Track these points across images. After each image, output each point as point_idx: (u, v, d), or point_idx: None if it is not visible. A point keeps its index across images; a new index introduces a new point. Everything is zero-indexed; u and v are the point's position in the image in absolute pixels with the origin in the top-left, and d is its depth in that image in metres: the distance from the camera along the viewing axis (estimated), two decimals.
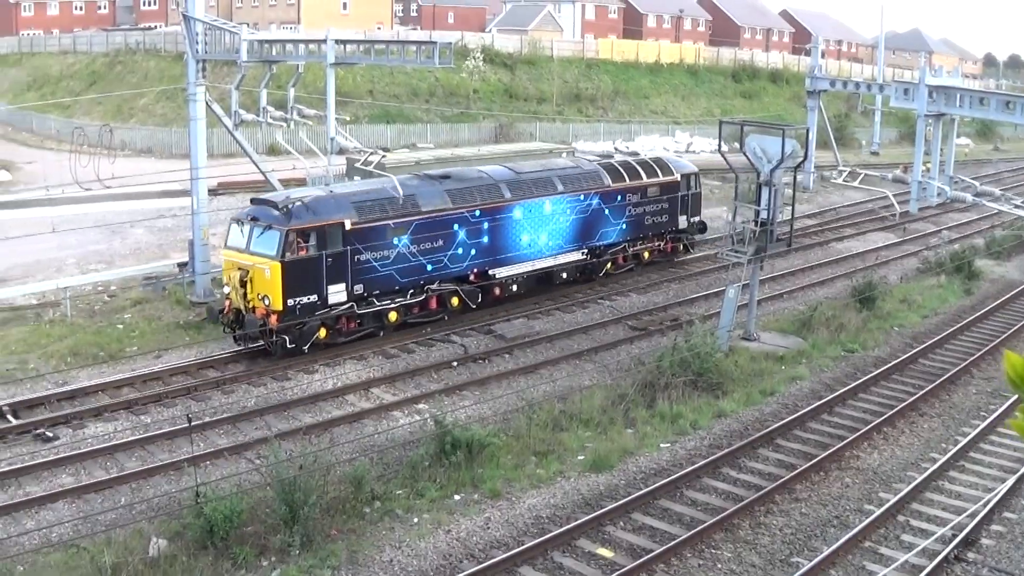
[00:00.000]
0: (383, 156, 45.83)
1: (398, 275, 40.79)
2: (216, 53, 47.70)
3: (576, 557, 24.87)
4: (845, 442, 31.26)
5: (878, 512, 26.66)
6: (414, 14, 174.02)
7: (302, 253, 37.69)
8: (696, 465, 29.67)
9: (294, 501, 25.13)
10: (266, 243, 37.58)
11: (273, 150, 70.54)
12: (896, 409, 34.18)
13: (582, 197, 48.21)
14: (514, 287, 45.91)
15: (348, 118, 74.67)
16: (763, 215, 39.80)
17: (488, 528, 26.34)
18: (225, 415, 33.81)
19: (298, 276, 37.63)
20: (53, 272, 48.28)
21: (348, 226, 38.76)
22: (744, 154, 40.18)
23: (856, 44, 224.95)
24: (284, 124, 48.38)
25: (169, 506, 27.59)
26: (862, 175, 75.60)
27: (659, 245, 54.05)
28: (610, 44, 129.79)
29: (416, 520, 26.66)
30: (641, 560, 24.23)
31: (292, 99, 47.78)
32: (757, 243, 39.87)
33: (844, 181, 66.13)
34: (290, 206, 38.15)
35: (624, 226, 50.73)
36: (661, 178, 52.66)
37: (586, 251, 49.37)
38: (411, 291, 41.68)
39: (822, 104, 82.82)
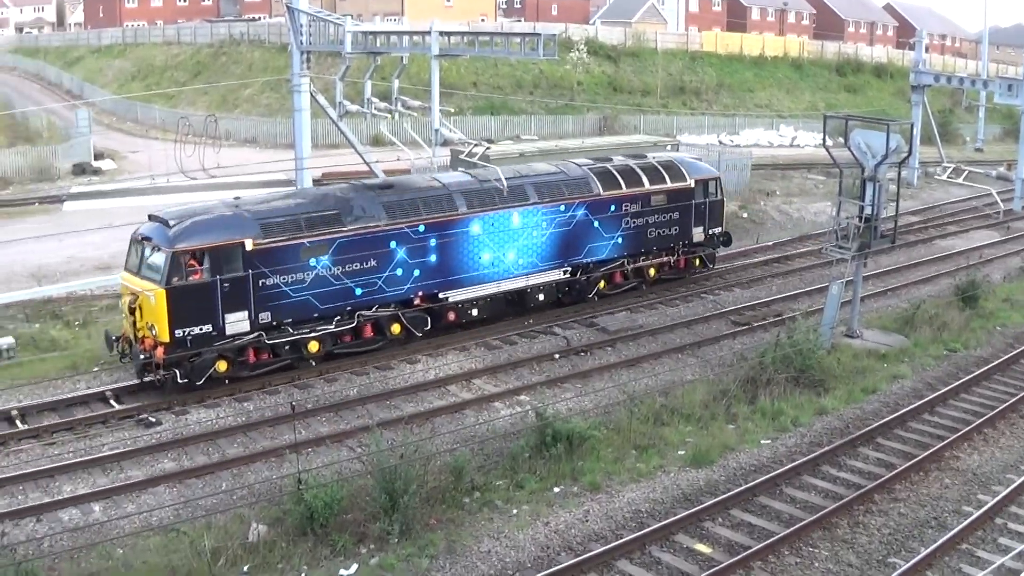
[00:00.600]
0: (487, 148, 45.71)
1: (317, 301, 36.16)
2: (320, 44, 48.12)
3: (674, 552, 24.84)
4: (945, 442, 30.93)
5: (976, 514, 26.38)
6: (517, 6, 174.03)
7: (194, 278, 33.50)
8: (796, 462, 29.49)
9: (394, 490, 25.30)
10: (154, 267, 33.83)
11: (377, 141, 71.03)
12: (997, 410, 33.71)
13: (563, 208, 42.71)
14: (473, 311, 40.83)
15: (452, 109, 74.79)
16: (867, 211, 39.41)
17: (587, 521, 26.38)
18: (327, 403, 34.18)
19: (187, 304, 33.53)
20: None
21: (250, 246, 34.21)
22: (848, 149, 39.76)
23: (960, 39, 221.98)
24: (388, 115, 48.60)
25: (270, 492, 27.94)
26: (966, 172, 74.80)
27: (669, 260, 48.18)
28: (714, 37, 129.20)
29: (515, 511, 26.75)
30: (739, 557, 24.17)
31: (396, 90, 47.96)
32: (861, 239, 39.46)
33: (948, 178, 65.55)
34: (179, 224, 34.18)
35: (620, 240, 45.20)
36: (669, 184, 46.69)
37: (569, 269, 43.85)
38: (337, 318, 37.02)
39: (926, 99, 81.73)
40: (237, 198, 37.43)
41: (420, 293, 39.13)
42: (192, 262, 33.58)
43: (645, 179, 45.91)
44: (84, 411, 33.44)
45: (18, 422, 32.74)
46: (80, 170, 77.73)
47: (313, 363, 37.15)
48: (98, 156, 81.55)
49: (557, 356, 38.99)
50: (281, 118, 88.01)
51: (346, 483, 26.73)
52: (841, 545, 25.35)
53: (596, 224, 44.03)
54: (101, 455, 30.48)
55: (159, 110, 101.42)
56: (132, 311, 34.15)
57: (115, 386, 35.02)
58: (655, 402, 33.61)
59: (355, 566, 24.26)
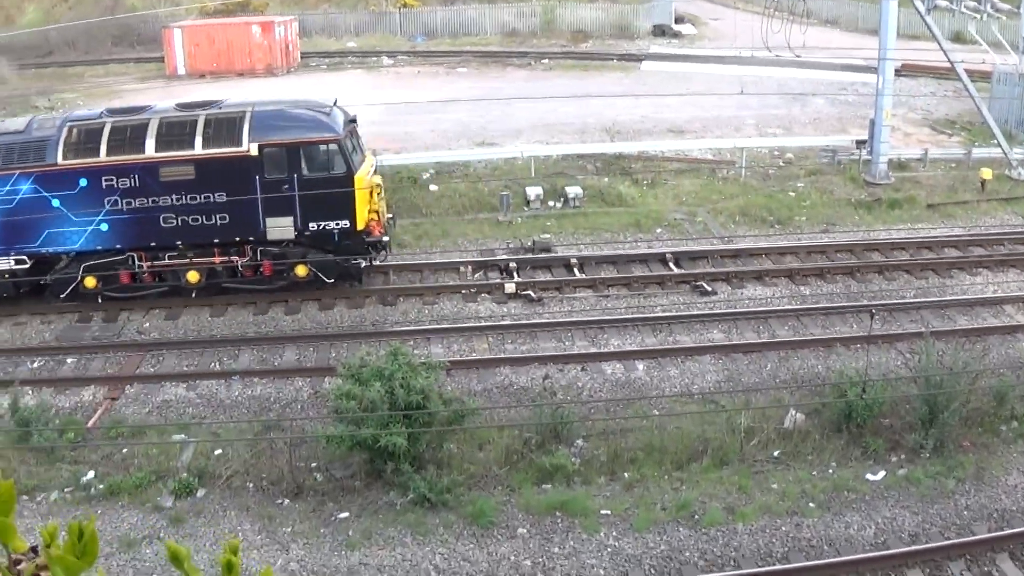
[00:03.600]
0: None
1: None
2: None
3: None
4: None
5: None
6: None
7: None
8: None
9: (936, 404, 24.93)
10: None
11: (958, 37, 68.74)
12: None
13: None
14: None
15: None
16: None
17: None
18: (882, 300, 33.39)
19: None
20: (731, 131, 49.52)
21: None
22: None
23: None
24: (977, 15, 47.25)
25: (812, 381, 28.07)
26: None
27: (235, 263, 33.51)
28: None
29: None
30: None
31: None
32: None
33: None
34: None
35: (106, 227, 32.40)
36: (197, 151, 31.92)
37: (24, 259, 32.62)
38: None
39: None
40: None
41: None
42: None
43: (150, 143, 32.04)
44: (642, 270, 34.69)
45: (576, 270, 34.50)
46: (660, 31, 79.48)
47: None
48: (679, 20, 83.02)
49: None
50: (866, 2, 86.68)
51: (890, 387, 26.54)
52: None
53: (57, 203, 32.12)
54: (653, 316, 31.57)
55: None
56: None
57: (675, 250, 36.04)
58: None
59: (883, 473, 24.33)
